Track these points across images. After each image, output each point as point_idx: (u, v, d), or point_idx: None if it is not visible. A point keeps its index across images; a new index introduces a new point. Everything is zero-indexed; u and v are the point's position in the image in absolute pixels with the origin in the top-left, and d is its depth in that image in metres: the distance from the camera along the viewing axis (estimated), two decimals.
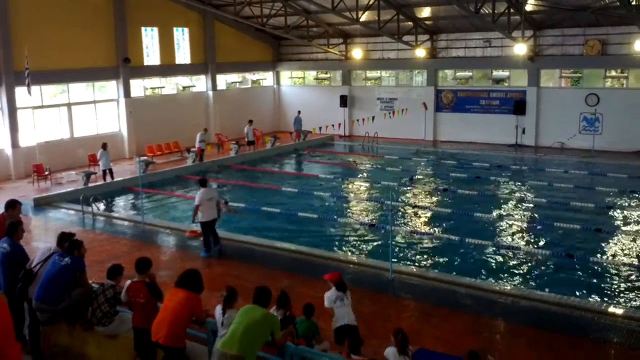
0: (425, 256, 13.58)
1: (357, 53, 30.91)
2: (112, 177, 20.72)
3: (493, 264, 12.91)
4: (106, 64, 25.47)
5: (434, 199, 19.02)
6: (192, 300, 6.83)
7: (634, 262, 12.98)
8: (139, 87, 27.63)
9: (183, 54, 29.33)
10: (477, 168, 23.13)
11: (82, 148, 23.81)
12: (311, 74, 34.50)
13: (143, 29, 27.21)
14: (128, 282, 7.47)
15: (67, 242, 8.31)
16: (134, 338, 7.40)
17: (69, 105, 24.61)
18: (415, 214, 17.13)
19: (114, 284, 7.71)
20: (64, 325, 7.99)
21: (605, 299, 10.96)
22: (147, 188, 17.95)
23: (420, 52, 28.66)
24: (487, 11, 22.95)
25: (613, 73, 26.24)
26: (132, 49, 26.32)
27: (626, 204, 17.63)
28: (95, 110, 25.69)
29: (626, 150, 24.66)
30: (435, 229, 15.57)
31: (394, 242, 12.68)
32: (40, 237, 14.97)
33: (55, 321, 7.94)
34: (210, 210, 13.20)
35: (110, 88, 26.44)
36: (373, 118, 29.31)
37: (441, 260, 13.28)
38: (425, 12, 27.13)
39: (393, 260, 11.98)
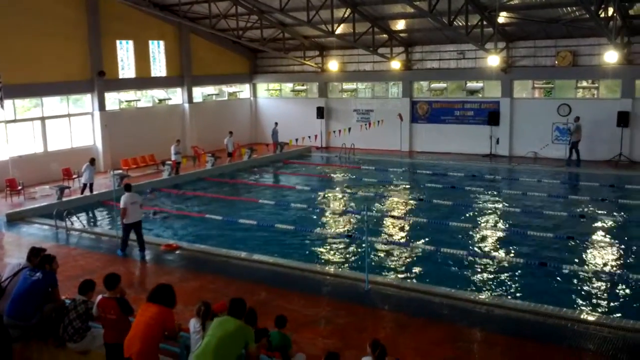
0: (401, 266, 13.63)
1: (333, 65, 31.09)
2: (91, 191, 20.57)
3: (468, 273, 13.00)
4: (81, 77, 25.28)
5: (410, 209, 19.14)
6: (164, 315, 6.78)
7: (605, 270, 13.18)
8: (114, 100, 27.45)
9: (159, 67, 29.24)
10: (453, 178, 23.32)
11: (56, 162, 23.55)
12: (288, 86, 34.60)
13: (118, 42, 27.07)
14: (99, 297, 7.40)
15: (37, 257, 8.23)
16: (106, 354, 7.32)
17: (42, 119, 24.33)
18: (391, 224, 17.20)
19: (86, 300, 7.62)
20: (35, 341, 7.87)
21: (579, 307, 11.09)
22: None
23: (396, 64, 28.92)
24: (460, 24, 23.27)
25: (584, 84, 26.72)
26: (107, 62, 26.16)
27: (597, 212, 17.90)
28: (69, 124, 25.43)
29: (597, 159, 25.11)
30: (411, 239, 15.65)
31: (369, 253, 12.71)
32: (13, 253, 14.75)
33: (27, 338, 7.83)
34: (134, 213, 14.14)
35: (84, 101, 26.22)
36: (349, 129, 29.47)
37: (417, 270, 13.33)
38: (400, 24, 27.42)
39: (369, 270, 12.01)
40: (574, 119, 24.86)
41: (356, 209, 18.66)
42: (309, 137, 28.96)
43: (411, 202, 20.06)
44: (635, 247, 14.45)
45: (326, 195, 21.39)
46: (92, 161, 20.80)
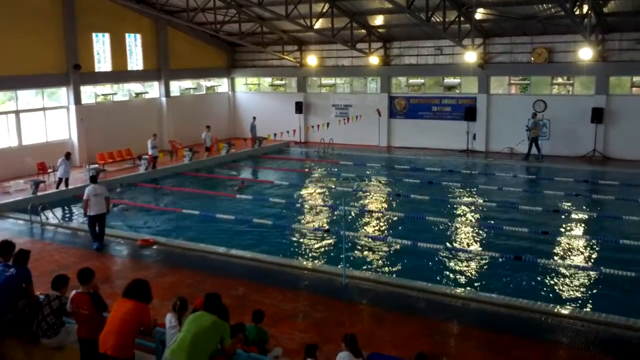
0: (378, 261, 13.72)
1: (311, 60, 31.05)
2: (66, 185, 20.31)
3: (444, 268, 13.14)
4: (56, 70, 24.93)
5: (387, 203, 19.24)
6: (140, 310, 6.75)
7: (579, 264, 13.40)
8: (90, 93, 27.13)
9: (135, 60, 28.94)
10: (430, 173, 23.47)
11: (31, 156, 23.21)
12: (266, 81, 34.49)
13: (94, 34, 26.73)
14: (73, 292, 7.34)
15: (7, 252, 8.14)
16: (80, 350, 7.27)
17: (17, 112, 23.95)
18: (369, 219, 17.28)
19: (60, 295, 7.55)
20: (8, 337, 7.78)
21: (552, 300, 11.23)
22: None
23: (374, 60, 28.97)
24: (438, 20, 23.40)
25: (559, 80, 27.03)
26: (82, 55, 25.82)
27: (572, 207, 18.16)
28: (44, 118, 25.08)
29: (572, 154, 25.48)
30: (389, 233, 15.74)
31: (347, 247, 12.77)
32: None
33: (1, 334, 7.74)
34: (97, 205, 14.20)
35: (60, 95, 25.87)
36: (328, 124, 29.48)
37: (394, 264, 13.43)
38: (378, 20, 27.47)
39: (347, 265, 12.07)
40: (531, 115, 25.36)
41: (334, 204, 18.70)
42: (288, 131, 28.92)
43: (389, 197, 20.16)
44: (608, 242, 14.68)
45: (304, 190, 21.41)
46: (68, 155, 20.54)
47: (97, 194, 14.21)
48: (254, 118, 29.91)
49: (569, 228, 16.28)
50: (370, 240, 15.09)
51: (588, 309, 10.65)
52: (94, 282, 7.46)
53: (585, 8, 20.64)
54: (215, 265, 13.14)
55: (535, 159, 25.12)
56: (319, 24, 25.81)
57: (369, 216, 17.53)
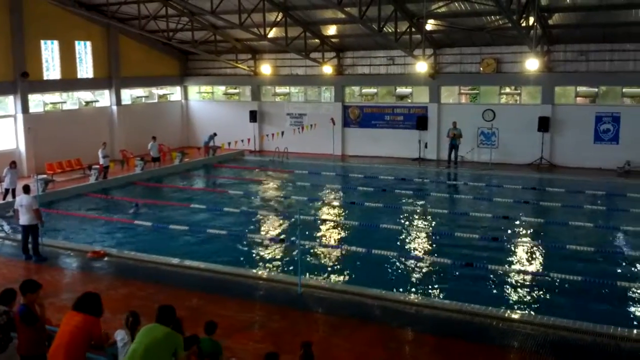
0: (333, 269, 13.78)
1: (265, 69, 31.05)
2: (13, 196, 19.68)
3: (398, 275, 13.29)
4: (2, 78, 24.22)
5: (342, 212, 19.36)
6: (90, 324, 6.62)
7: (528, 269, 13.77)
8: (38, 102, 26.47)
9: (85, 68, 28.37)
10: (383, 181, 23.71)
11: None
12: (220, 89, 34.30)
13: (42, 42, 26.11)
14: None
15: None
16: None
17: None
18: (324, 227, 17.35)
19: (8, 310, 7.33)
20: None
21: (503, 305, 11.47)
22: (46, 208, 17.17)
23: (328, 69, 29.18)
24: (390, 30, 23.75)
25: (507, 90, 27.78)
26: (30, 62, 25.19)
27: (520, 214, 18.61)
28: None
29: (520, 162, 26.17)
30: (343, 241, 15.84)
31: (302, 256, 12.79)
32: None
33: None
34: (23, 215, 13.93)
35: (7, 103, 25.15)
36: (283, 133, 29.48)
37: (349, 272, 13.51)
38: (331, 30, 27.70)
39: (302, 274, 12.08)
40: (452, 124, 26.30)
41: (289, 213, 18.72)
42: (242, 140, 28.77)
43: (343, 205, 20.29)
44: (555, 247, 15.10)
45: (259, 199, 21.34)
46: (13, 164, 19.93)
47: (23, 205, 13.92)
48: (215, 134, 29.28)
49: (517, 234, 16.69)
50: (325, 248, 15.14)
51: (537, 313, 10.91)
52: (35, 295, 7.32)
53: (532, 20, 21.28)
54: (168, 276, 12.96)
55: (454, 164, 26.20)
56: (272, 33, 25.87)
57: (323, 224, 17.59)
